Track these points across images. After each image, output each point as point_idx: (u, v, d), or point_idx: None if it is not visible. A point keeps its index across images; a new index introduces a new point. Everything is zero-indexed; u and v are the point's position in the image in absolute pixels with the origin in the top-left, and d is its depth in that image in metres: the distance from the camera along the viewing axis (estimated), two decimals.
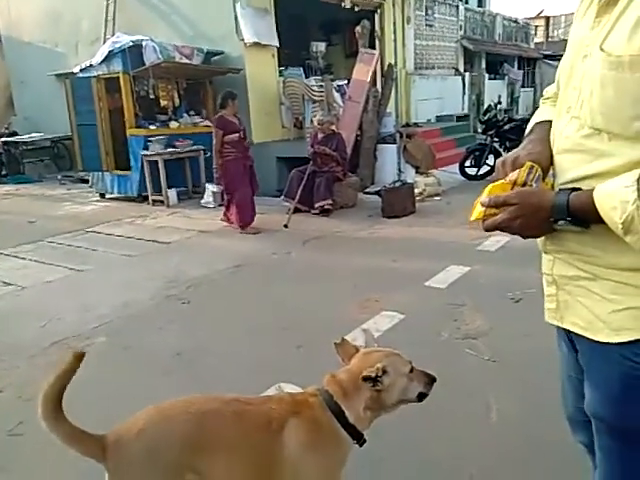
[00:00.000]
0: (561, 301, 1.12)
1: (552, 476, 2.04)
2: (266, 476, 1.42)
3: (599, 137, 0.97)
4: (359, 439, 1.47)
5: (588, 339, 1.07)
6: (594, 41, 0.98)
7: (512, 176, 1.06)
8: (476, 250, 5.04)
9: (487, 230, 1.07)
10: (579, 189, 0.99)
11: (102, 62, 7.92)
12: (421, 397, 1.53)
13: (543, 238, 1.12)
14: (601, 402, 1.09)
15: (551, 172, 1.10)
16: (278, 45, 8.89)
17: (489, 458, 2.16)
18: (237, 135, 6.00)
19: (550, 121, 1.17)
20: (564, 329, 1.17)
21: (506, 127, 8.59)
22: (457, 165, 8.82)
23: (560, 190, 1.01)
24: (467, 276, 4.33)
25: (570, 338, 1.18)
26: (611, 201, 0.91)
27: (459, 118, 12.70)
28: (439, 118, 12.66)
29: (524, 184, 1.05)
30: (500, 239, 5.31)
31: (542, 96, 1.33)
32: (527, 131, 1.26)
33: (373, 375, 1.40)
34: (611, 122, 0.95)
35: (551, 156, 1.12)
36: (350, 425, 1.43)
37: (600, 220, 0.94)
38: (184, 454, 1.37)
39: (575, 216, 0.98)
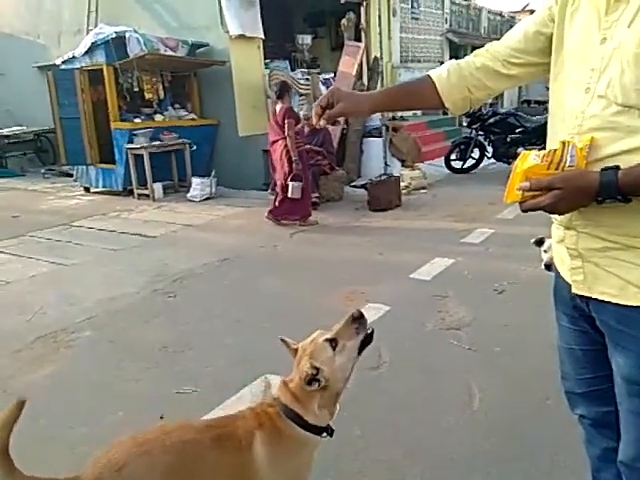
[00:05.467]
0: (588, 272, 1.16)
1: (531, 460, 2.09)
2: None
3: (629, 114, 1.01)
4: (326, 432, 1.49)
5: (618, 305, 1.11)
6: (614, 24, 1.03)
7: (547, 157, 1.07)
8: (460, 242, 5.10)
9: (525, 211, 1.09)
10: (618, 167, 1.01)
11: (85, 54, 7.81)
12: (364, 345, 1.48)
13: (568, 215, 1.14)
14: (636, 365, 1.12)
15: (585, 146, 1.09)
16: (263, 37, 8.84)
17: (470, 443, 2.21)
18: (301, 125, 6.17)
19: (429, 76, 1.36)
20: (578, 301, 1.22)
21: (491, 120, 8.63)
22: (443, 158, 8.88)
23: (603, 170, 1.03)
24: (451, 268, 4.38)
25: (585, 311, 1.21)
26: None
27: (445, 111, 12.73)
28: (425, 111, 12.69)
29: (560, 161, 1.06)
30: (485, 231, 5.38)
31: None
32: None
33: (311, 376, 1.39)
34: None
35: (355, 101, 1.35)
36: (312, 425, 1.45)
37: None
38: None
39: (623, 192, 1.00)
